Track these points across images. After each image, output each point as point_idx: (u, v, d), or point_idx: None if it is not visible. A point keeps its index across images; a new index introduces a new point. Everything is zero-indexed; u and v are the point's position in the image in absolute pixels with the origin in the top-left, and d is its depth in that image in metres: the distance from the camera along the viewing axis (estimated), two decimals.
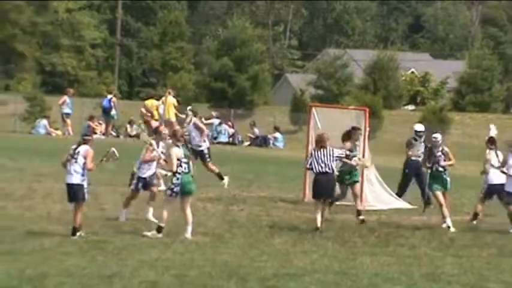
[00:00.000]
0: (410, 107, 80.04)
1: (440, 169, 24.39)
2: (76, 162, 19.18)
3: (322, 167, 21.64)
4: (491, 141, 25.99)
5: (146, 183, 21.58)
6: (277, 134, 63.54)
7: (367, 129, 30.85)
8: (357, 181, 24.62)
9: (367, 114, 31.17)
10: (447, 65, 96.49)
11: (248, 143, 62.73)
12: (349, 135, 24.65)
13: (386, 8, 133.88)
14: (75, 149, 19.52)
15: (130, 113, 58.25)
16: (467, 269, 16.68)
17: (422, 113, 70.29)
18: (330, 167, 21.72)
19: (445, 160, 24.67)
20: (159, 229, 19.80)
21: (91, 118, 54.70)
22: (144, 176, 21.49)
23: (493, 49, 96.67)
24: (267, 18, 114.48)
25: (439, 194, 24.00)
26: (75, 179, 19.34)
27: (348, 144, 24.10)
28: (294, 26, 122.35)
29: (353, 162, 23.81)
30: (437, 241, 21.07)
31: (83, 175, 19.38)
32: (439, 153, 24.66)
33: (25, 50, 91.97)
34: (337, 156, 21.97)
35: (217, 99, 71.37)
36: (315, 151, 22.31)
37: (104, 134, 50.76)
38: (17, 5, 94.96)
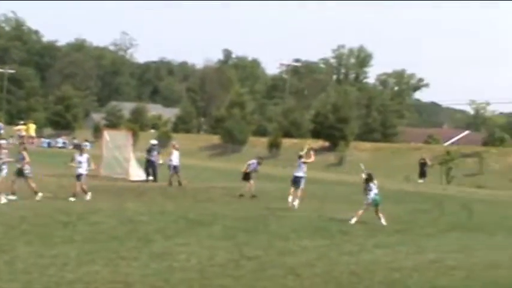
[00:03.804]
0: (153, 131, 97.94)
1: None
2: None
3: None
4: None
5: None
6: (87, 143, 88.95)
7: (131, 141, 37.39)
8: None
9: (131, 134, 39.44)
10: (171, 111, 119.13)
11: (71, 146, 76.96)
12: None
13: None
14: None
15: None
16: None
17: (158, 133, 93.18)
18: None
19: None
20: None
21: None
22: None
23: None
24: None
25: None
26: None
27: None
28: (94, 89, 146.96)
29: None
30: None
31: None
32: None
33: None
34: None
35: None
36: None
37: None
38: None
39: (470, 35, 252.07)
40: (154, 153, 35.15)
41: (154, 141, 36.65)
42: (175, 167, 32.87)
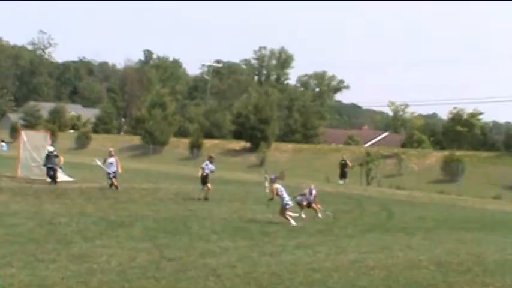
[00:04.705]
0: (72, 131, 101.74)
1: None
2: None
3: None
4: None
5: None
6: (4, 143, 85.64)
7: (49, 142, 37.52)
8: None
9: (49, 135, 40.02)
10: (91, 111, 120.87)
11: None
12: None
13: None
14: None
15: None
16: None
17: (78, 134, 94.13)
18: None
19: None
20: None
21: None
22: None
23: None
24: None
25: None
26: None
27: None
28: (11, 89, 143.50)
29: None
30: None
31: None
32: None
33: None
34: None
35: None
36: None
37: None
38: None
39: (390, 37, 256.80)
40: (53, 159, 34.24)
41: (50, 148, 35.89)
42: (114, 173, 32.47)
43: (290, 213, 22.40)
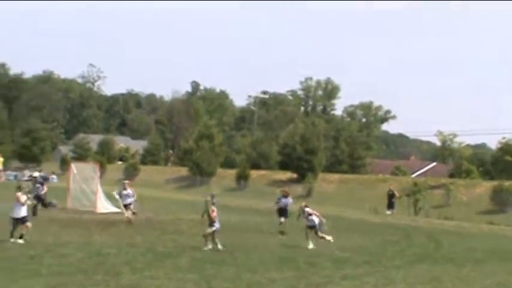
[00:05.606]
0: (120, 162, 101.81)
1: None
2: None
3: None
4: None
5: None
6: (54, 176, 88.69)
7: (98, 174, 38.00)
8: None
9: (98, 167, 40.48)
10: (139, 143, 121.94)
11: (25, 178, 79.57)
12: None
13: None
14: None
15: None
16: None
17: (126, 165, 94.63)
18: None
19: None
20: None
21: None
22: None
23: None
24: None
25: None
26: None
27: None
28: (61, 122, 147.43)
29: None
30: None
31: None
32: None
33: None
34: None
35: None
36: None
37: None
38: None
39: (437, 67, 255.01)
40: (37, 185, 33.26)
41: (35, 174, 35.33)
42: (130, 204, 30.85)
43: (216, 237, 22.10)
